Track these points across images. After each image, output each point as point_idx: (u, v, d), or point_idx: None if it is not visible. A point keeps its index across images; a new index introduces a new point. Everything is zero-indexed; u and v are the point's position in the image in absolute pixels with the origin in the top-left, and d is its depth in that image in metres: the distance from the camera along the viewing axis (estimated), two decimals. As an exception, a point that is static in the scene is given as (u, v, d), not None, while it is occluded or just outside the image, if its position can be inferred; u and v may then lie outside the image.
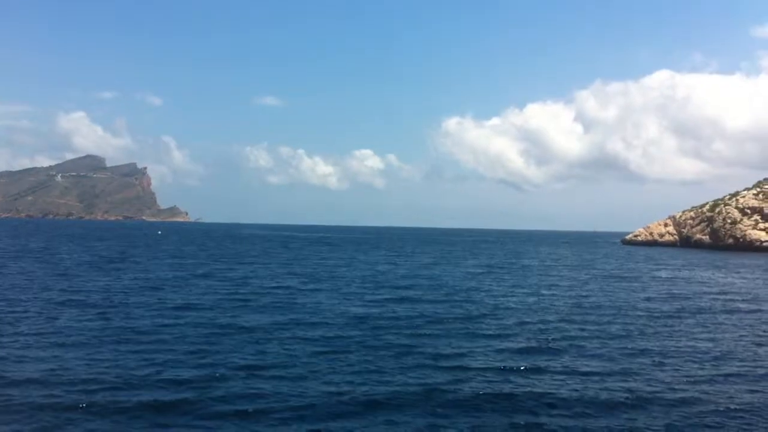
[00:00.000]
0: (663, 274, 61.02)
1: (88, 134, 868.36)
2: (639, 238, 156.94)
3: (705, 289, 46.51)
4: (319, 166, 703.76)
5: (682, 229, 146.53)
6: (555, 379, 18.64)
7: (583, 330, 26.90)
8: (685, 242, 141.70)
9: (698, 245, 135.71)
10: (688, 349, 23.30)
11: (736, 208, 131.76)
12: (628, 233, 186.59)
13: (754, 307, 36.61)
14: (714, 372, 19.91)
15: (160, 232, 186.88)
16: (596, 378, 18.80)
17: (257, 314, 29.48)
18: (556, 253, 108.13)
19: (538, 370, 19.62)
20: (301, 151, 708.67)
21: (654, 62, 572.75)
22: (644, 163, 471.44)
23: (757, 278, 57.16)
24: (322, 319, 28.39)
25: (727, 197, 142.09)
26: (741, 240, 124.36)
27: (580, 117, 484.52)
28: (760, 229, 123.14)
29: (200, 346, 21.96)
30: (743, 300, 39.94)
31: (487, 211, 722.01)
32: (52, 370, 18.35)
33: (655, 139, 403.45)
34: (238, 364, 19.53)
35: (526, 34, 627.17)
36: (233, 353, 21.08)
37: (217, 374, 18.30)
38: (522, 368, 19.83)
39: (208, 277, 47.25)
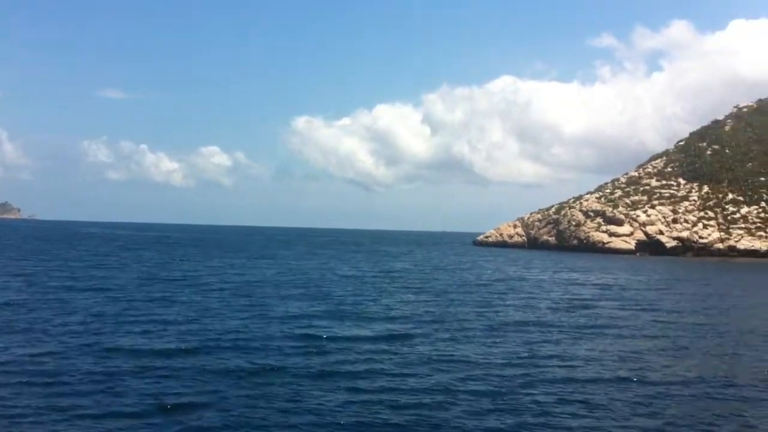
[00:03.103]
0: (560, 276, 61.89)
1: None
2: (490, 239, 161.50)
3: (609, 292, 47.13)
4: (163, 162, 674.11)
5: (530, 231, 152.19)
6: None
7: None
8: (533, 243, 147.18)
9: (545, 246, 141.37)
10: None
11: (580, 210, 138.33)
12: (475, 233, 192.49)
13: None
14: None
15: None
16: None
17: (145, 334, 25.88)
18: (432, 257, 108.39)
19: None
20: (143, 147, 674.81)
21: (497, 68, 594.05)
22: (488, 165, 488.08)
23: (641, 280, 59.13)
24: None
25: (572, 200, 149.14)
26: (585, 241, 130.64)
27: (427, 119, 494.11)
28: (603, 231, 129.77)
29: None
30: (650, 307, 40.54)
31: (338, 210, 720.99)
32: None
33: (499, 143, 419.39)
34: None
35: (375, 37, 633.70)
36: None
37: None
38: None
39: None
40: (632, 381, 19.06)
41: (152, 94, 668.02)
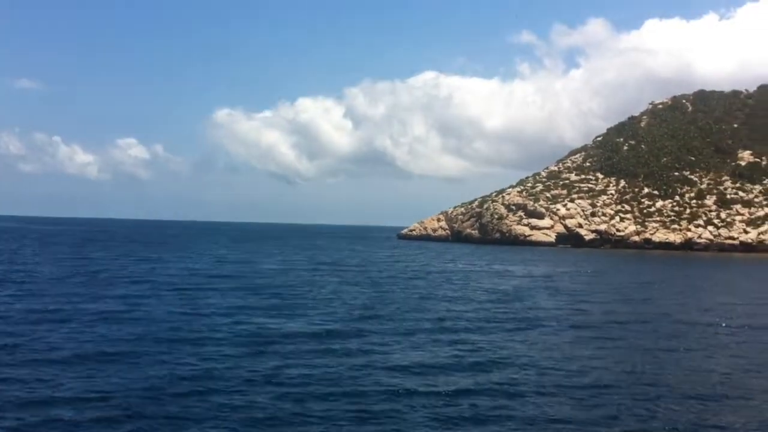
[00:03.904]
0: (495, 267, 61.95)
1: None
2: (414, 233, 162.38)
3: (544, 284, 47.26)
4: (77, 154, 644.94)
5: (454, 224, 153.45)
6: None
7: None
8: (457, 237, 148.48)
9: (468, 239, 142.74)
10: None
11: (503, 204, 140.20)
12: (398, 227, 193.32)
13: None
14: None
15: None
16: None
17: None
18: (360, 250, 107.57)
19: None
20: (57, 138, 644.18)
21: (420, 63, 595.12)
22: (410, 159, 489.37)
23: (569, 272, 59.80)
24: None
25: (494, 194, 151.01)
26: (507, 234, 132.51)
27: (349, 113, 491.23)
28: (524, 225, 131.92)
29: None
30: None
31: (259, 203, 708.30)
32: None
33: (421, 137, 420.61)
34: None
35: (297, 29, 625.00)
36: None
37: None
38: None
39: None
40: (576, 381, 18.49)
41: (66, 84, 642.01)
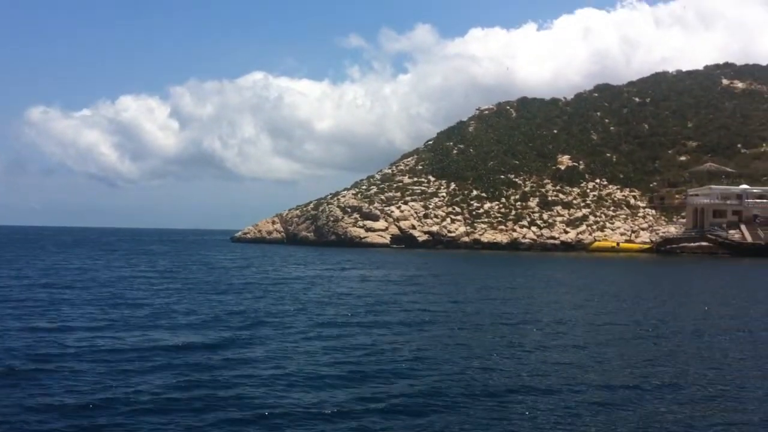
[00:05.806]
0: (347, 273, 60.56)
1: None
2: (248, 236, 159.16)
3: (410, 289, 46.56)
4: None
5: (289, 227, 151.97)
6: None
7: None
8: (292, 239, 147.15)
9: (304, 242, 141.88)
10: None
11: (338, 207, 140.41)
12: (231, 231, 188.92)
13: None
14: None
15: None
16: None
17: None
18: (199, 254, 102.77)
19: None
20: None
21: (248, 63, 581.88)
22: (240, 161, 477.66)
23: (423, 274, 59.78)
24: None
25: (329, 196, 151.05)
26: (343, 236, 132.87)
27: (175, 113, 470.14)
28: (360, 227, 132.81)
29: None
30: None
31: (78, 207, 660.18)
32: None
33: (251, 139, 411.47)
34: None
35: (117, 25, 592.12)
36: None
37: None
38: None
39: None
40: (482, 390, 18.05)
41: None
